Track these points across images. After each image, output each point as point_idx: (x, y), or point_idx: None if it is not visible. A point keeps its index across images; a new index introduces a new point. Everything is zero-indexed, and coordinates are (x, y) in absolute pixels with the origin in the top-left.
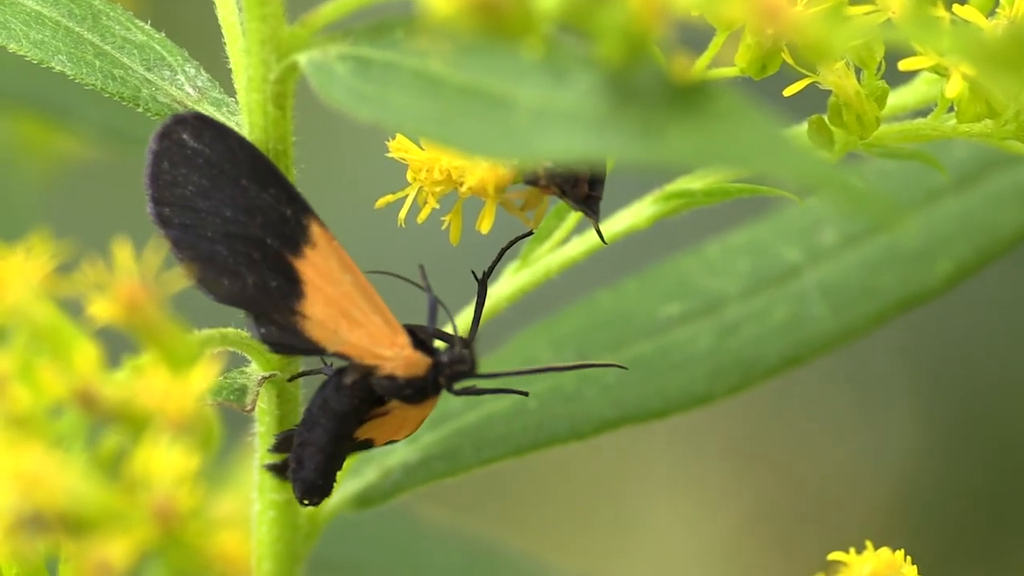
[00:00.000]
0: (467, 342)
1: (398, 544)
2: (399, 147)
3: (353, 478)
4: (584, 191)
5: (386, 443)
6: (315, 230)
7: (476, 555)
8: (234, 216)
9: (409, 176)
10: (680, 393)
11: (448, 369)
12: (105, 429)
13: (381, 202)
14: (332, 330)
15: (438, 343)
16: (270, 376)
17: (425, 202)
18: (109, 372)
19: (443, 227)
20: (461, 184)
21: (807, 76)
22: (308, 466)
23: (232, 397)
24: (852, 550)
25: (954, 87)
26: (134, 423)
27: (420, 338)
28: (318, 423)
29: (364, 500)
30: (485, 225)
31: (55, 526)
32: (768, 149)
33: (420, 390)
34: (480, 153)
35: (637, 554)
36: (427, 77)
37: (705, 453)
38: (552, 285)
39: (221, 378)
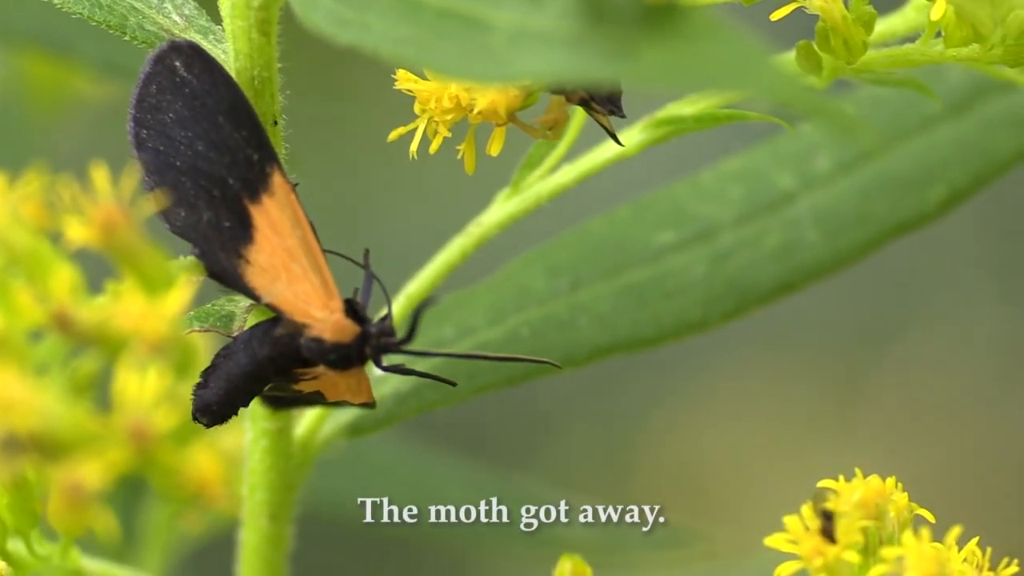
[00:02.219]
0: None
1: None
2: (405, 79)
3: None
4: (607, 91)
5: (336, 403)
6: (276, 180)
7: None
8: (205, 151)
9: (417, 108)
10: (674, 320)
11: (375, 340)
12: (84, 353)
13: (393, 135)
14: (271, 280)
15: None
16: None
17: (436, 132)
18: (89, 296)
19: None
20: (471, 110)
21: (794, 0)
22: (211, 387)
23: (219, 323)
24: (841, 477)
25: (939, 10)
26: (111, 346)
27: (356, 308)
28: (236, 355)
29: (356, 429)
30: (495, 148)
31: (29, 448)
32: (744, 69)
33: (344, 357)
34: (460, 76)
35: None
36: (406, 1)
37: (863, 424)
38: (543, 214)
39: (209, 305)
